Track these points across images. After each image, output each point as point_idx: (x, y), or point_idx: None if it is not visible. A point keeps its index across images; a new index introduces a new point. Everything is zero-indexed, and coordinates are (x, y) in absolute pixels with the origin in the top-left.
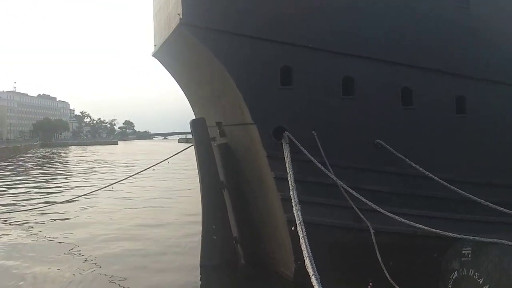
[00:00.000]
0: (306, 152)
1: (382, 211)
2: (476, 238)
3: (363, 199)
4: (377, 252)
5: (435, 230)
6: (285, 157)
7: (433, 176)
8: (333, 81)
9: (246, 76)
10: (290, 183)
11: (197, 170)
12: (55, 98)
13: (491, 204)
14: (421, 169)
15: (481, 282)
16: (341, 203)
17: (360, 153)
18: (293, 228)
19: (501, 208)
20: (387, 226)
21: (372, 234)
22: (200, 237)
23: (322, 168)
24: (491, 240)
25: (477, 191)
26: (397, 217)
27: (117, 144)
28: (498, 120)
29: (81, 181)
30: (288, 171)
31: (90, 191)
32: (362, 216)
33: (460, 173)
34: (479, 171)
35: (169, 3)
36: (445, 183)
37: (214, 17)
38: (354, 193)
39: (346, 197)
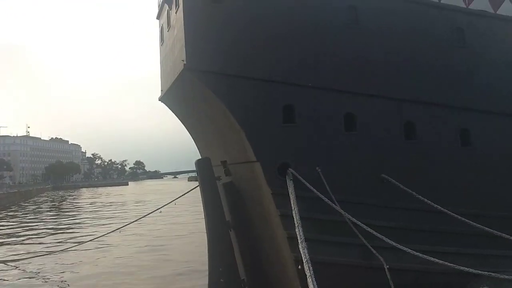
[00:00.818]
0: (312, 188)
1: (399, 246)
2: (492, 274)
3: (377, 234)
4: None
5: (449, 264)
6: (290, 193)
7: (444, 210)
8: (335, 117)
9: (248, 116)
10: (295, 219)
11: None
12: (67, 141)
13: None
14: (431, 203)
15: None
16: (349, 240)
17: (366, 188)
18: (300, 267)
19: None
20: (400, 263)
21: (387, 271)
22: (207, 280)
23: (330, 203)
24: (507, 277)
25: (491, 225)
26: (413, 252)
27: (128, 184)
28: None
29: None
30: (293, 208)
31: (96, 237)
32: (375, 252)
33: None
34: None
35: (174, 49)
36: (458, 217)
37: (216, 62)
38: (368, 228)
39: (357, 233)
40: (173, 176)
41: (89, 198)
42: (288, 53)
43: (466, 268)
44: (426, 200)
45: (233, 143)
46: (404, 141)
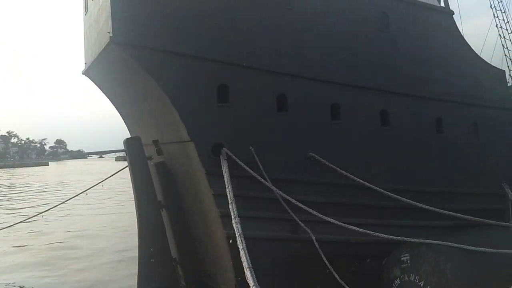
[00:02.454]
0: (246, 167)
1: (326, 218)
2: (412, 240)
3: (307, 208)
4: (326, 261)
5: (373, 233)
6: (224, 172)
7: (367, 184)
8: (268, 98)
9: (182, 94)
10: (229, 197)
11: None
12: None
13: (431, 208)
14: (356, 178)
15: (422, 285)
16: (280, 216)
17: (295, 166)
18: (231, 241)
19: (440, 210)
20: (328, 235)
21: (315, 242)
22: (137, 261)
23: (263, 181)
24: (423, 241)
25: (410, 198)
26: (340, 223)
27: (48, 165)
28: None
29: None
30: (227, 186)
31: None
32: (304, 227)
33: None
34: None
35: (99, 20)
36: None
37: (147, 35)
38: (300, 204)
39: (287, 209)
40: (98, 156)
41: (6, 180)
42: (223, 31)
43: (387, 235)
44: (350, 175)
45: (165, 122)
46: (331, 121)
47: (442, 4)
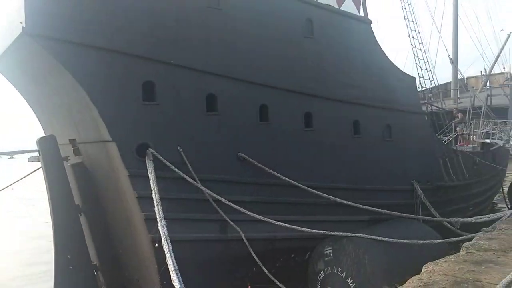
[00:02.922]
0: (173, 167)
1: (256, 216)
2: (333, 233)
3: (237, 207)
4: (257, 259)
5: (302, 229)
6: (149, 174)
7: (294, 183)
8: (197, 98)
9: (102, 90)
10: (154, 200)
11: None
12: None
13: (354, 204)
14: (282, 177)
15: (344, 276)
16: (209, 217)
17: (225, 166)
18: (156, 245)
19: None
20: (257, 233)
21: (245, 240)
22: (54, 268)
23: (192, 181)
24: (344, 234)
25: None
26: (269, 220)
27: None
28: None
29: None
30: (152, 188)
31: None
32: (234, 225)
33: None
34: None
35: (9, 7)
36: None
37: (65, 27)
38: (231, 203)
39: (217, 209)
40: (9, 157)
41: None
42: (149, 27)
43: (310, 230)
44: (277, 174)
45: (84, 120)
46: (259, 122)
47: (362, 14)
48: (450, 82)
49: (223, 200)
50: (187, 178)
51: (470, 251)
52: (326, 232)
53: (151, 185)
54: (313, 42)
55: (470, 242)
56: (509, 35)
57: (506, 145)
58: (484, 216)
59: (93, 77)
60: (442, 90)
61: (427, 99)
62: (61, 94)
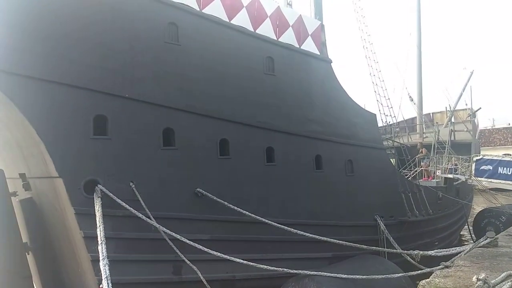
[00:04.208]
0: (125, 205)
1: (213, 253)
2: (293, 271)
3: (195, 244)
4: None
5: (261, 266)
6: (96, 211)
7: (260, 218)
8: (153, 132)
9: (49, 125)
10: (99, 238)
11: None
12: None
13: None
14: (244, 212)
15: None
16: (161, 257)
17: (182, 203)
18: (100, 286)
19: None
20: (217, 273)
21: (204, 280)
22: None
23: (146, 219)
24: (304, 272)
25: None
26: (230, 257)
27: None
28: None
29: None
30: (98, 226)
31: None
32: (192, 265)
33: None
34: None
35: None
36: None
37: (7, 58)
38: (190, 242)
39: (174, 248)
40: None
41: None
42: (102, 60)
43: (267, 267)
44: (238, 209)
45: (33, 154)
46: (219, 157)
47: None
48: (416, 117)
49: (180, 237)
50: (140, 215)
51: None
52: (286, 270)
53: (97, 223)
54: (274, 79)
55: (427, 280)
56: (471, 73)
57: (468, 181)
58: (443, 250)
59: (40, 110)
60: (409, 125)
61: (393, 133)
62: (10, 127)
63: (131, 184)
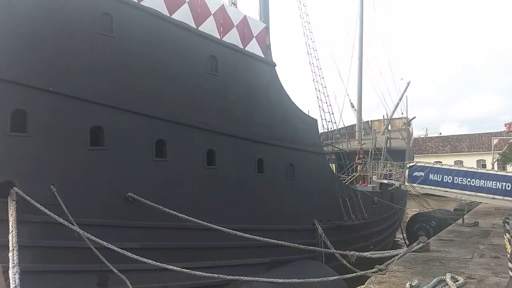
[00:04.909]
0: (45, 209)
1: (150, 261)
2: (228, 277)
3: (125, 252)
4: None
5: (196, 272)
6: (10, 216)
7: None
8: (78, 130)
9: None
10: (10, 244)
11: None
12: None
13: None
14: (181, 215)
15: None
16: (86, 267)
17: (111, 208)
18: None
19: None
20: (146, 285)
21: None
22: None
23: (69, 225)
24: (237, 278)
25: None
26: (165, 266)
27: None
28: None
29: None
30: (10, 232)
31: None
32: (121, 276)
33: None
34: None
35: None
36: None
37: None
38: (120, 250)
39: (100, 257)
40: None
41: None
42: (22, 51)
43: (202, 273)
44: (175, 213)
45: None
46: (154, 159)
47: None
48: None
49: (106, 244)
50: (61, 221)
51: None
52: (222, 276)
53: (10, 229)
54: (217, 79)
55: (361, 287)
56: (408, 84)
57: (402, 186)
58: (378, 252)
59: None
60: (348, 131)
61: (334, 139)
62: None
63: (51, 187)
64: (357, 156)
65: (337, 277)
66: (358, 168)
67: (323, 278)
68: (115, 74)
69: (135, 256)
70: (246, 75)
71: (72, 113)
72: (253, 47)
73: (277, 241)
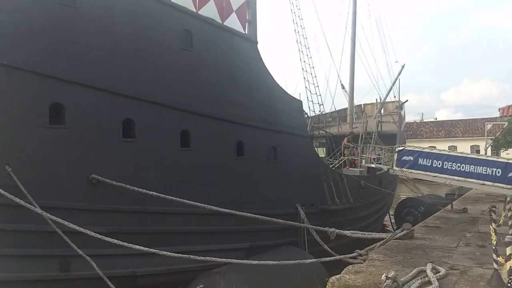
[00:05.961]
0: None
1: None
2: (199, 258)
3: (90, 233)
4: None
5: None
6: None
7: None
8: (36, 106)
9: None
10: None
11: None
12: None
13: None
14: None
15: None
16: (45, 252)
17: (72, 191)
18: None
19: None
20: (112, 270)
21: (104, 277)
22: None
23: (30, 207)
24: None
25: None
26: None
27: None
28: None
29: None
30: None
31: None
32: (87, 257)
33: None
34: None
35: None
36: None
37: None
38: (84, 230)
39: (67, 240)
40: None
41: None
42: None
43: (174, 254)
44: (143, 191)
45: None
46: (122, 139)
47: (248, 32)
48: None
49: (67, 224)
50: (18, 201)
51: (334, 286)
52: (193, 257)
53: None
54: (191, 55)
55: (337, 276)
56: (403, 67)
57: (390, 170)
58: (359, 232)
59: None
60: (340, 115)
61: (325, 123)
62: None
63: (6, 167)
64: (346, 139)
65: (314, 260)
66: (345, 151)
67: (300, 261)
68: (75, 49)
69: (97, 235)
70: (225, 51)
71: (30, 89)
72: (233, 22)
73: (254, 215)
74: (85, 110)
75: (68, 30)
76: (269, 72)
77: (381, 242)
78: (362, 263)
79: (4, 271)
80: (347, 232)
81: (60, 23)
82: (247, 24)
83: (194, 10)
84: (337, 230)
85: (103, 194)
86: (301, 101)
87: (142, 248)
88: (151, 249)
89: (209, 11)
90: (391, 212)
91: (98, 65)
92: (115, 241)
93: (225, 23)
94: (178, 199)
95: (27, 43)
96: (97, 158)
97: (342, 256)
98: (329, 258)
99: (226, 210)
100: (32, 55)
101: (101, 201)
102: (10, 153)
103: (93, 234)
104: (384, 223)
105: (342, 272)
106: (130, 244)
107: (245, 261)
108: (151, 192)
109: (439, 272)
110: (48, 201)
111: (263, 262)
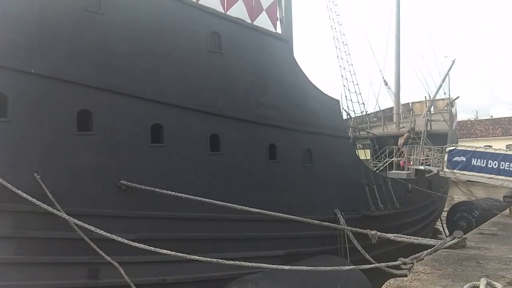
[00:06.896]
0: (30, 198)
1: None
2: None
3: (119, 238)
4: None
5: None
6: None
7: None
8: (64, 113)
9: None
10: None
11: None
12: None
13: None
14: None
15: None
16: (74, 259)
17: (101, 197)
18: None
19: None
20: (141, 278)
21: (130, 282)
22: None
23: (61, 214)
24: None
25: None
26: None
27: None
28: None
29: None
30: None
31: None
32: (115, 264)
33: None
34: None
35: None
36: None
37: None
38: (112, 236)
39: (94, 247)
40: None
41: None
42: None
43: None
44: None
45: None
46: (150, 145)
47: (279, 30)
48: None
49: (94, 229)
50: (46, 207)
51: None
52: (222, 261)
53: None
54: (220, 57)
55: None
56: (453, 62)
57: (440, 172)
58: (404, 236)
59: None
60: (386, 115)
61: (369, 123)
62: None
63: (35, 174)
64: (403, 140)
65: (353, 266)
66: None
67: (336, 267)
68: (103, 55)
69: (127, 241)
70: (255, 52)
71: (58, 96)
72: (263, 21)
73: (289, 216)
74: (113, 117)
75: (95, 37)
76: (302, 71)
77: (429, 250)
78: (405, 276)
79: (31, 279)
80: (390, 235)
81: (86, 30)
82: (278, 22)
83: (222, 11)
84: (378, 233)
85: (134, 200)
86: (338, 100)
87: (173, 253)
88: (183, 255)
89: (238, 11)
90: (444, 217)
91: (125, 71)
92: (146, 247)
93: (254, 23)
94: (218, 202)
95: (54, 51)
96: (125, 164)
97: (383, 264)
98: (369, 265)
99: (267, 212)
100: (59, 63)
101: (132, 207)
102: (40, 160)
103: (122, 240)
104: (438, 228)
105: (383, 286)
106: (163, 250)
107: (277, 266)
108: (190, 196)
109: None
110: (73, 208)
111: (295, 267)
